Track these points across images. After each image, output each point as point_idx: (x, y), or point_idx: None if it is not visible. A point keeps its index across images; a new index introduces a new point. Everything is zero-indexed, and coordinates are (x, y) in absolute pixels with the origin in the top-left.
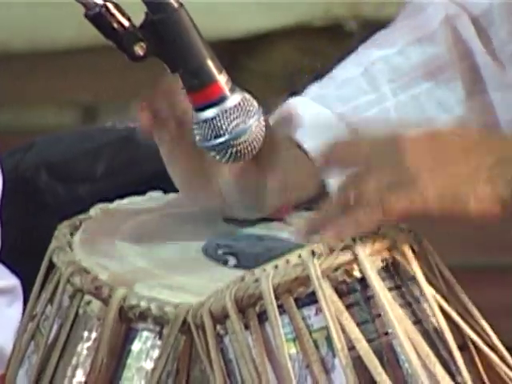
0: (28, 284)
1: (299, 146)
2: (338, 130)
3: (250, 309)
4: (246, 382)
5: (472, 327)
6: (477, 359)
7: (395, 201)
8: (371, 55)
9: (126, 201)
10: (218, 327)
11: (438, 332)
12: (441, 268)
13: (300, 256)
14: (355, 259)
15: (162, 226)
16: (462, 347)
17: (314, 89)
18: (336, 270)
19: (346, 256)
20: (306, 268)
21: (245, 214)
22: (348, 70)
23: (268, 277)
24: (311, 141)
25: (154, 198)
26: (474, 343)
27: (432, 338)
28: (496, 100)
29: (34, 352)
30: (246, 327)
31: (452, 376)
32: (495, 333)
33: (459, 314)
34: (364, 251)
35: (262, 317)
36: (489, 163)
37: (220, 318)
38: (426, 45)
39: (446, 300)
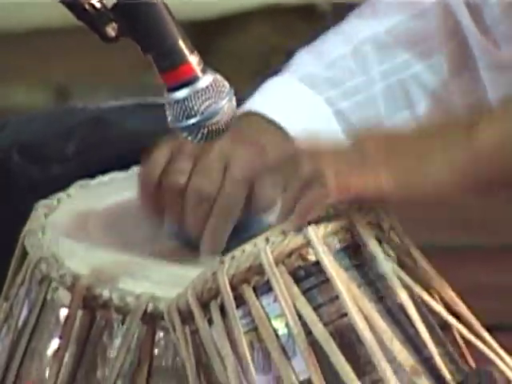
0: (2, 267)
1: (284, 133)
2: (325, 116)
3: (212, 302)
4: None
5: (448, 307)
6: (459, 339)
7: (349, 179)
8: (360, 31)
9: (107, 177)
10: (191, 323)
11: (402, 308)
12: (408, 246)
13: (255, 244)
14: (308, 243)
15: (137, 206)
16: (444, 327)
17: (301, 65)
18: (290, 255)
19: (299, 240)
20: (258, 256)
21: None
22: (337, 47)
23: (223, 269)
24: (299, 128)
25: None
26: (450, 323)
27: (395, 314)
28: (486, 79)
29: (6, 335)
30: (212, 320)
31: (418, 350)
32: (473, 313)
33: (432, 295)
34: (317, 234)
35: (225, 308)
36: (438, 145)
37: (188, 314)
38: (417, 23)
39: (416, 279)
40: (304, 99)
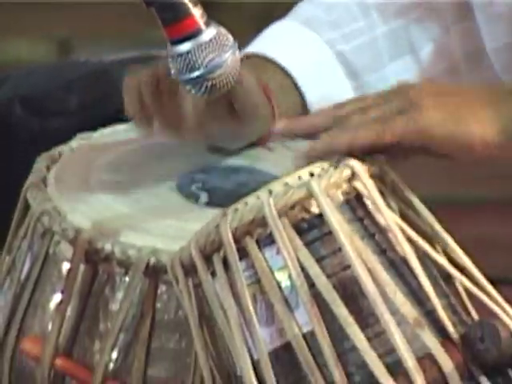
0: (3, 218)
1: (285, 72)
2: (326, 57)
3: (215, 254)
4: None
5: (451, 260)
6: (462, 292)
7: (396, 120)
8: None
9: (109, 130)
10: (194, 276)
11: (405, 260)
12: (411, 199)
13: (258, 197)
14: (311, 195)
15: (138, 159)
16: (447, 280)
17: (303, 11)
18: (293, 207)
19: (302, 192)
20: (261, 209)
21: (228, 143)
22: None
23: (226, 222)
24: (299, 67)
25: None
26: (454, 276)
27: (398, 266)
28: (483, 28)
29: (9, 288)
30: (215, 273)
31: (421, 303)
32: (477, 266)
33: (435, 248)
34: (320, 186)
35: (227, 261)
36: (487, 99)
37: (191, 268)
38: None
39: (419, 232)
40: (304, 39)
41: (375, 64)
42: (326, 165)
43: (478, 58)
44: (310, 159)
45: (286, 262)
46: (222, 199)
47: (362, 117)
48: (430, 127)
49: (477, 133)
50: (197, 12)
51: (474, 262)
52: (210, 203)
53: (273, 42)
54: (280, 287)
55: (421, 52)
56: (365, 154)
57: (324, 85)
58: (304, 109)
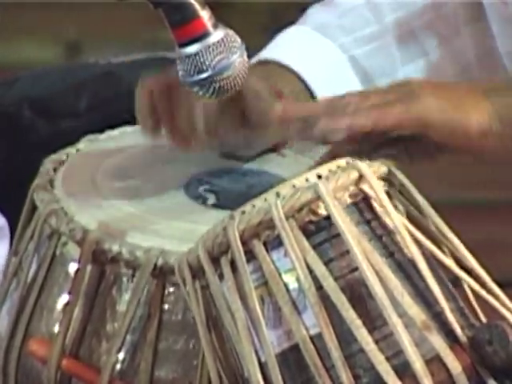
0: (14, 220)
1: (299, 78)
2: (339, 62)
3: (223, 257)
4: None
5: (458, 262)
6: (470, 294)
7: (395, 106)
8: None
9: (116, 131)
10: (201, 278)
11: (413, 263)
12: (419, 201)
13: (266, 199)
14: (318, 197)
15: (146, 161)
16: (455, 283)
17: (315, 16)
18: (300, 210)
19: (309, 195)
20: (268, 211)
21: (242, 150)
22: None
23: (233, 224)
24: (313, 72)
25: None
26: (461, 278)
27: (406, 269)
28: (496, 31)
29: (15, 289)
30: (222, 275)
31: (429, 305)
32: (485, 268)
33: (443, 250)
34: (327, 188)
35: (235, 263)
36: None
37: (198, 270)
38: None
39: (427, 234)
40: (317, 46)
41: (388, 68)
42: (333, 167)
43: (490, 59)
44: (309, 138)
45: (293, 265)
46: (229, 201)
47: (362, 103)
48: (428, 113)
49: (474, 119)
50: (205, 14)
51: (482, 264)
52: (218, 205)
53: (286, 48)
54: (288, 289)
55: (432, 56)
56: (364, 140)
57: (338, 90)
58: None
